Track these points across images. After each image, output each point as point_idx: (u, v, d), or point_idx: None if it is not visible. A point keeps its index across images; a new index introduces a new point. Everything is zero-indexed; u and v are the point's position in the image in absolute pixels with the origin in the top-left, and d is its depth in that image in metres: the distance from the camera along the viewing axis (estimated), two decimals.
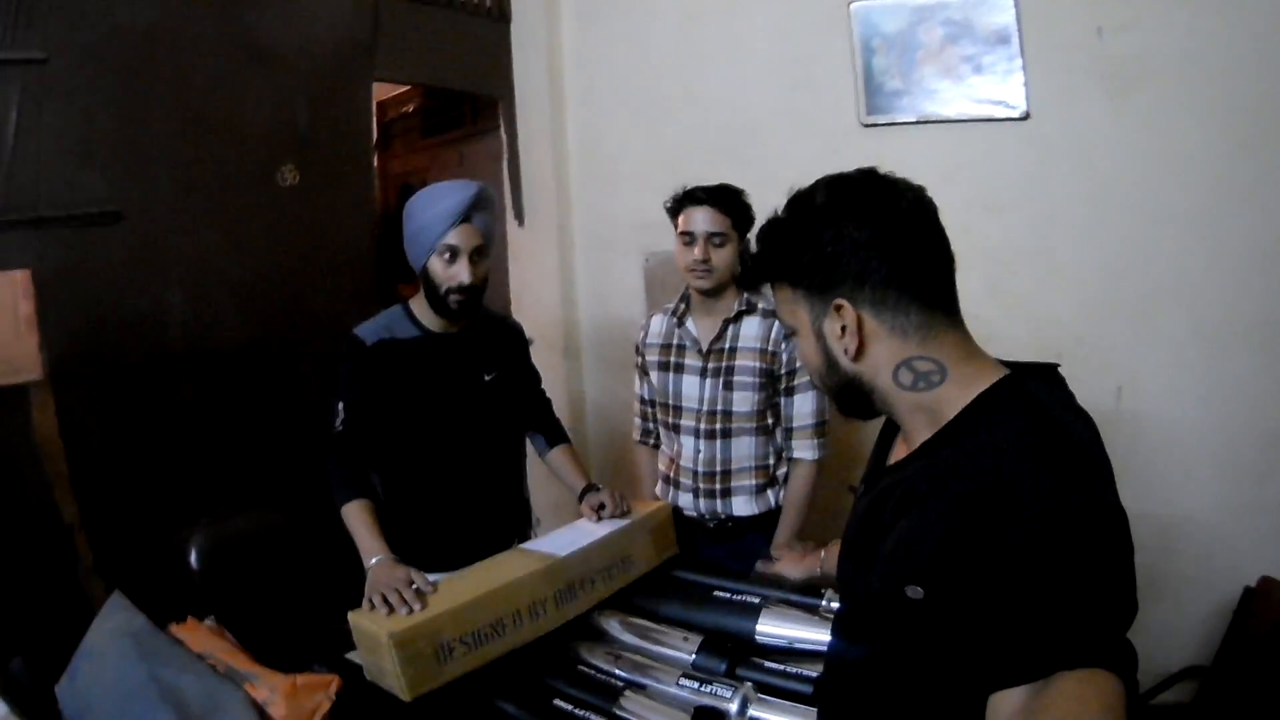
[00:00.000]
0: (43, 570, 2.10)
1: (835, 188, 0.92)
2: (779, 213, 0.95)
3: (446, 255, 1.76)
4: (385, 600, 1.40)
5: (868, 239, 0.87)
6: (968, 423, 0.85)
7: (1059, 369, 0.91)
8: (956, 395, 0.87)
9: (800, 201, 0.93)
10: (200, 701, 1.11)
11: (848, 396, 0.96)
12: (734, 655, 1.46)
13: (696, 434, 2.05)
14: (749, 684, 1.35)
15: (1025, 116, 2.41)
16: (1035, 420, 0.81)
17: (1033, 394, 0.85)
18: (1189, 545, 2.35)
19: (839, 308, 0.89)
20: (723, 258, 1.96)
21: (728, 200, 1.96)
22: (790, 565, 1.63)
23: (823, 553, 1.56)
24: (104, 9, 2.25)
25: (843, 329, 0.89)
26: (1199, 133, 2.21)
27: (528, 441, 2.17)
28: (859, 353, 0.90)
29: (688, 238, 1.97)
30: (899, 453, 0.99)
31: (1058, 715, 0.67)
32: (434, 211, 1.75)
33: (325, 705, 1.17)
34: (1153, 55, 2.23)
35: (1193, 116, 2.21)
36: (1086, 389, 2.38)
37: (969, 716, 0.74)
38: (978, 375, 0.88)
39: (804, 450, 2.01)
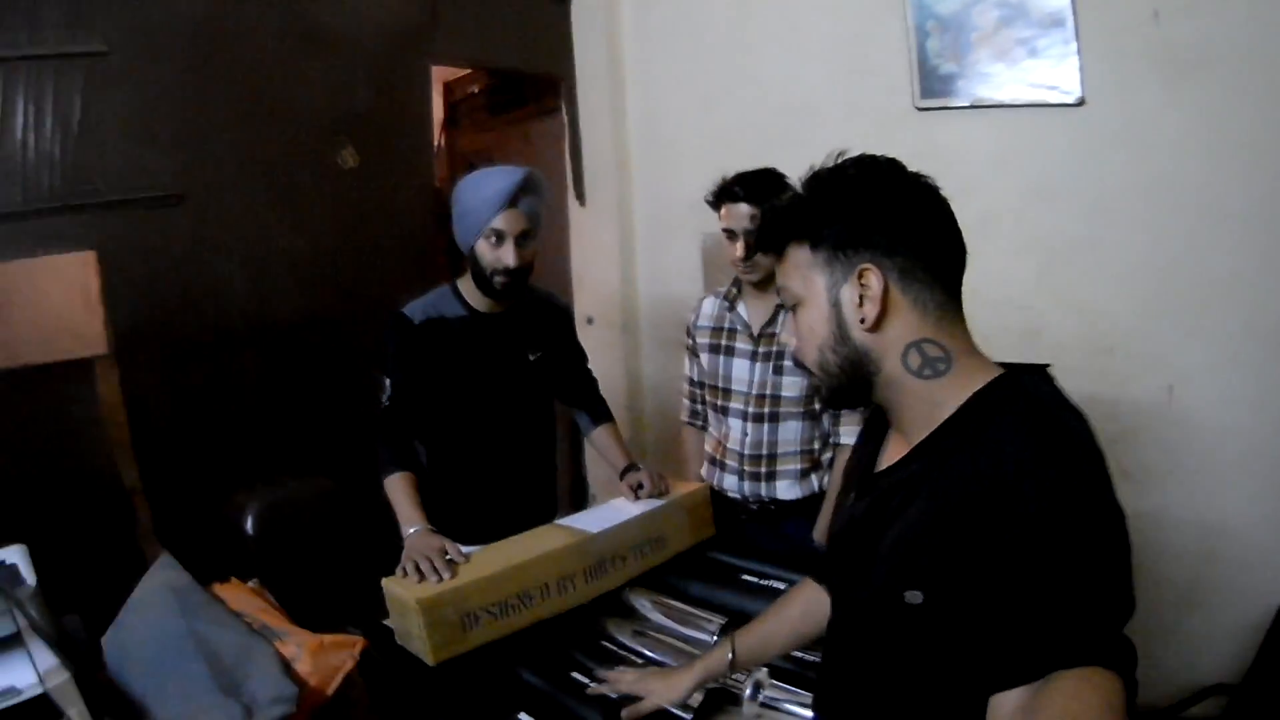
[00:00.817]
0: (104, 532, 2.21)
1: (868, 163, 0.92)
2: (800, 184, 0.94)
3: (493, 239, 1.79)
4: (418, 568, 1.45)
5: (905, 208, 0.88)
6: (966, 421, 0.84)
7: (1050, 369, 0.89)
8: (957, 390, 0.86)
9: (829, 172, 0.92)
10: (232, 654, 1.17)
11: (849, 376, 0.91)
12: None
13: (744, 416, 2.06)
14: (764, 669, 1.36)
15: (1080, 102, 2.34)
16: (1034, 418, 0.80)
17: (1031, 391, 0.84)
18: (1231, 553, 2.27)
19: (865, 272, 0.87)
20: None
21: (766, 193, 1.93)
22: (661, 692, 1.30)
23: (695, 666, 1.31)
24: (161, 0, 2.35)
25: (861, 298, 0.87)
26: (1258, 122, 2.11)
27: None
28: (877, 323, 0.87)
29: (730, 234, 1.97)
30: (892, 453, 0.96)
31: (1057, 714, 0.67)
32: (481, 196, 1.79)
33: (350, 664, 1.22)
34: (1211, 41, 2.14)
35: (1252, 105, 2.11)
36: (1137, 386, 2.35)
37: (968, 717, 0.75)
38: (978, 371, 0.87)
39: (850, 436, 2.00)
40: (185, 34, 2.40)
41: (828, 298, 0.90)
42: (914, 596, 0.81)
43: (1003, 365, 0.90)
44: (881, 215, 0.88)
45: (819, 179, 0.92)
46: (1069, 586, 0.71)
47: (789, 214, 0.94)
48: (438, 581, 1.42)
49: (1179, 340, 2.28)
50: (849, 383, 0.92)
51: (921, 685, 0.84)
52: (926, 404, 0.88)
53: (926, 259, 0.87)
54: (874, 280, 0.86)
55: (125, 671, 1.24)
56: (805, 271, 0.92)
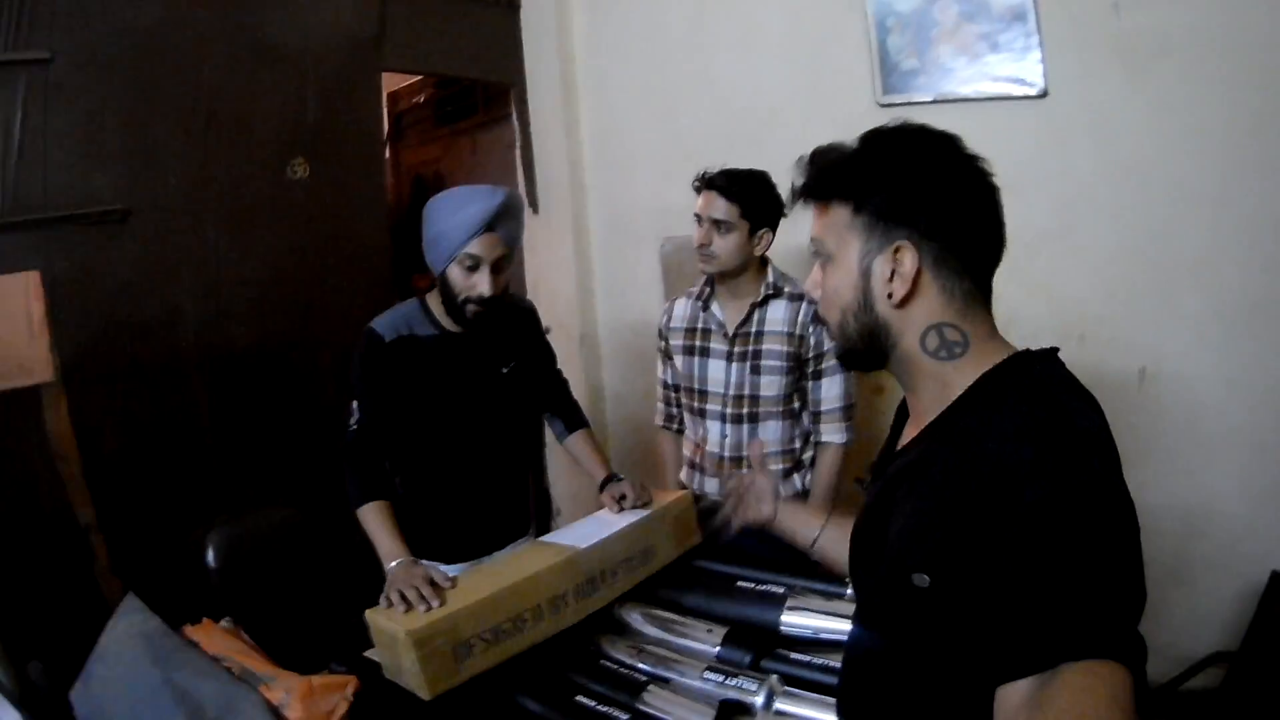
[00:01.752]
0: (59, 571, 2.11)
1: (926, 136, 0.90)
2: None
3: (467, 264, 1.69)
4: (404, 598, 1.37)
5: (951, 193, 0.87)
6: (972, 402, 0.85)
7: (1058, 353, 0.88)
8: (968, 372, 0.86)
9: (888, 134, 0.90)
10: (215, 705, 1.10)
11: (865, 344, 0.91)
12: (759, 647, 1.44)
13: (723, 418, 2.03)
14: (774, 676, 1.33)
15: (1043, 94, 2.36)
16: (1036, 401, 0.80)
17: (1036, 374, 0.84)
18: (1214, 529, 2.31)
19: (901, 249, 0.86)
20: (725, 245, 1.94)
21: (740, 189, 1.93)
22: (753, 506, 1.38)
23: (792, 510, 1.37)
24: (107, 9, 2.25)
25: (893, 273, 0.87)
26: (1219, 108, 2.15)
27: (546, 429, 2.14)
28: (903, 301, 0.87)
29: (697, 219, 1.97)
30: (908, 435, 0.96)
31: (1064, 706, 0.66)
32: (457, 219, 1.69)
33: (343, 707, 1.15)
34: (1171, 30, 2.18)
35: (1212, 92, 2.16)
36: (1109, 371, 2.37)
37: (980, 708, 0.73)
38: (991, 354, 0.87)
39: (832, 434, 1.99)
40: (132, 45, 2.30)
41: (859, 265, 0.89)
42: (921, 580, 0.80)
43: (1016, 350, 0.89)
44: (927, 196, 0.87)
45: (876, 140, 0.90)
46: (1071, 576, 0.69)
47: (839, 169, 0.91)
48: (426, 610, 1.35)
49: (1149, 324, 2.32)
50: (864, 350, 0.93)
51: (934, 674, 0.83)
52: (938, 384, 0.88)
53: (962, 248, 0.87)
54: (908, 259, 0.86)
55: None
56: (843, 231, 0.90)
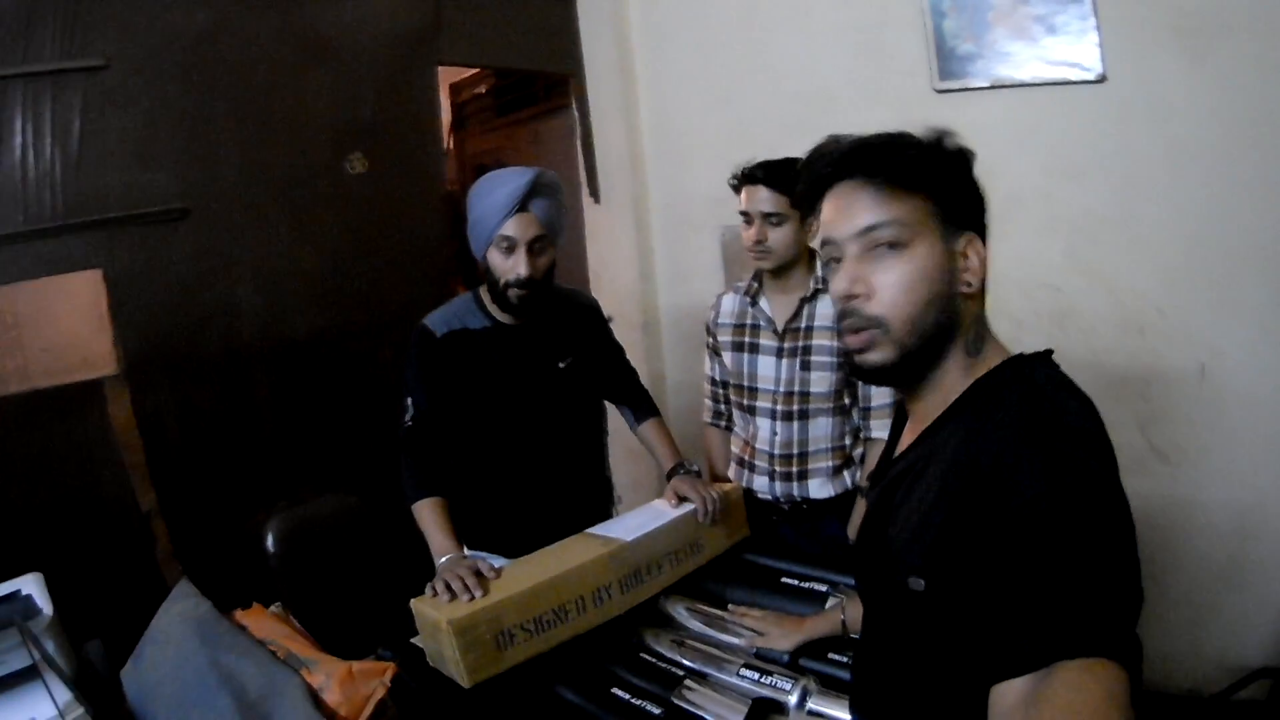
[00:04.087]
0: (121, 556, 2.18)
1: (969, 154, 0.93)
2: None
3: (504, 246, 1.69)
4: (448, 587, 1.38)
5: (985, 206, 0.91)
6: (970, 403, 0.86)
7: (1053, 355, 0.89)
8: (969, 374, 0.88)
9: (949, 135, 0.91)
10: (257, 687, 1.13)
11: (934, 338, 0.87)
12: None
13: (773, 415, 2.00)
14: (810, 676, 1.33)
15: (1101, 79, 2.28)
16: (1034, 402, 0.80)
17: (1033, 376, 0.85)
18: (1268, 531, 2.21)
19: (972, 242, 0.89)
20: (780, 237, 1.91)
21: (785, 179, 1.89)
22: (778, 638, 1.47)
23: (807, 623, 1.48)
24: (158, 13, 2.30)
25: (965, 265, 0.89)
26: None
27: (609, 418, 2.13)
28: (971, 295, 0.89)
29: (746, 217, 1.94)
30: (906, 442, 0.97)
31: (1059, 705, 0.66)
32: (490, 201, 1.69)
33: (381, 692, 1.17)
34: (1230, 12, 2.08)
35: (1274, 73, 2.06)
36: (1169, 365, 2.30)
37: (979, 707, 0.73)
38: (991, 358, 0.89)
39: (881, 430, 1.94)
40: (185, 47, 2.36)
41: (945, 254, 0.88)
42: (916, 583, 0.81)
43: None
44: (979, 201, 0.91)
45: (946, 139, 0.90)
46: (1068, 574, 0.69)
47: (922, 159, 0.89)
48: (469, 600, 1.36)
49: (1209, 315, 2.24)
50: (926, 346, 0.88)
51: (932, 675, 0.84)
52: (942, 386, 0.89)
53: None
54: (976, 254, 0.89)
55: (147, 707, 1.20)
56: (922, 218, 0.88)
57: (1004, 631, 0.71)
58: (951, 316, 0.87)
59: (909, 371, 0.90)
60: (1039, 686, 0.67)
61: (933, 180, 0.88)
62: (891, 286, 0.87)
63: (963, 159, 0.90)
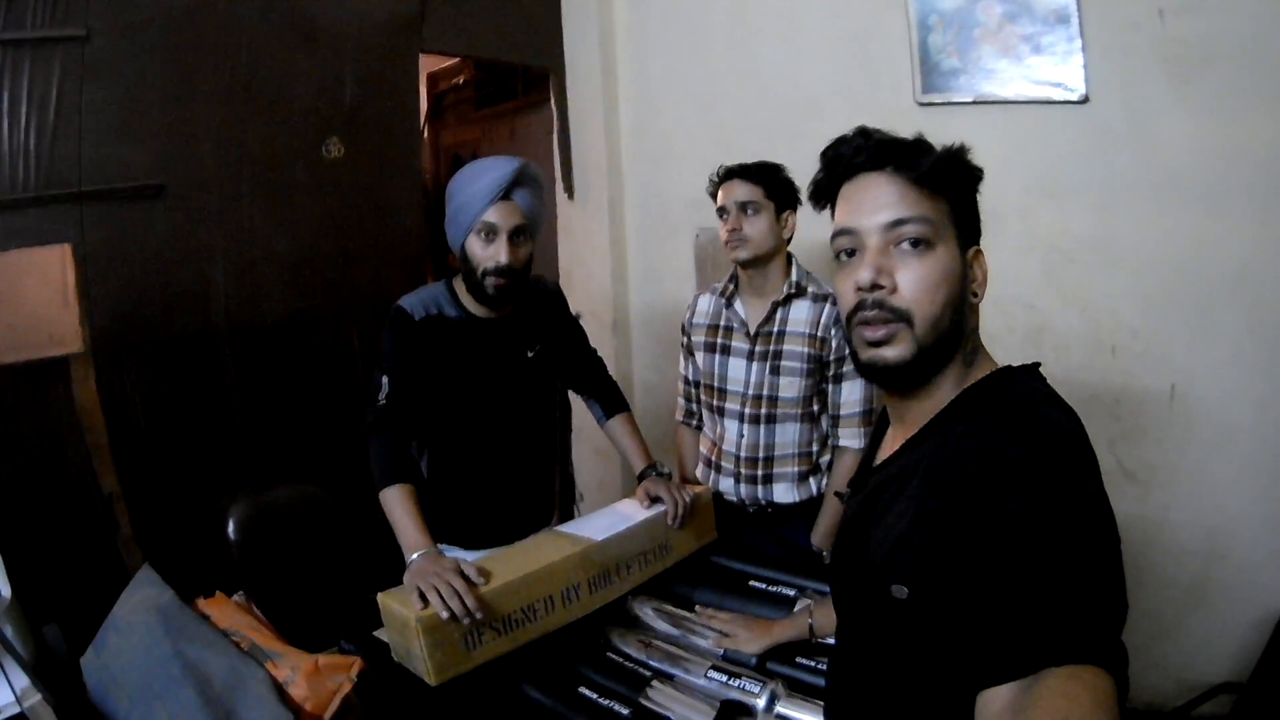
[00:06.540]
0: (82, 539, 2.13)
1: None
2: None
3: (484, 234, 1.68)
4: (440, 596, 1.31)
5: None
6: (956, 413, 0.86)
7: (1040, 368, 0.90)
8: (956, 384, 0.89)
9: (963, 149, 0.92)
10: (222, 679, 1.11)
11: (947, 340, 0.87)
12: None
13: (741, 418, 2.01)
14: (778, 679, 1.33)
15: (1084, 100, 2.31)
16: (1016, 413, 0.81)
17: (1019, 388, 0.87)
18: (1235, 553, 2.25)
19: (978, 253, 0.91)
20: (757, 226, 1.93)
21: (760, 173, 1.94)
22: (745, 640, 1.47)
23: (775, 627, 1.48)
24: None
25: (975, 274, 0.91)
26: (1263, 119, 2.09)
27: (575, 417, 2.11)
28: (974, 305, 0.91)
29: (723, 212, 1.96)
30: (887, 449, 0.97)
31: (1048, 710, 0.65)
32: (474, 188, 1.67)
33: (346, 687, 1.16)
34: (1216, 39, 2.11)
35: (1257, 102, 2.09)
36: (1140, 385, 2.33)
37: (961, 715, 0.73)
38: (984, 367, 0.91)
39: (850, 439, 1.95)
40: (169, 22, 2.31)
41: (962, 260, 0.89)
42: (899, 591, 0.82)
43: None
44: (979, 221, 0.93)
45: (963, 151, 0.91)
46: (1055, 581, 0.70)
47: (950, 163, 0.89)
48: (470, 623, 1.31)
49: (1182, 339, 2.27)
50: (937, 349, 0.87)
51: (915, 683, 0.84)
52: (931, 395, 0.90)
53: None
54: (981, 266, 0.91)
55: (109, 697, 1.17)
56: (945, 221, 0.88)
57: (992, 638, 0.71)
58: (960, 324, 0.88)
59: (919, 372, 0.88)
60: (1027, 693, 0.67)
61: (956, 186, 0.90)
62: (917, 283, 0.86)
63: (978, 174, 0.92)
